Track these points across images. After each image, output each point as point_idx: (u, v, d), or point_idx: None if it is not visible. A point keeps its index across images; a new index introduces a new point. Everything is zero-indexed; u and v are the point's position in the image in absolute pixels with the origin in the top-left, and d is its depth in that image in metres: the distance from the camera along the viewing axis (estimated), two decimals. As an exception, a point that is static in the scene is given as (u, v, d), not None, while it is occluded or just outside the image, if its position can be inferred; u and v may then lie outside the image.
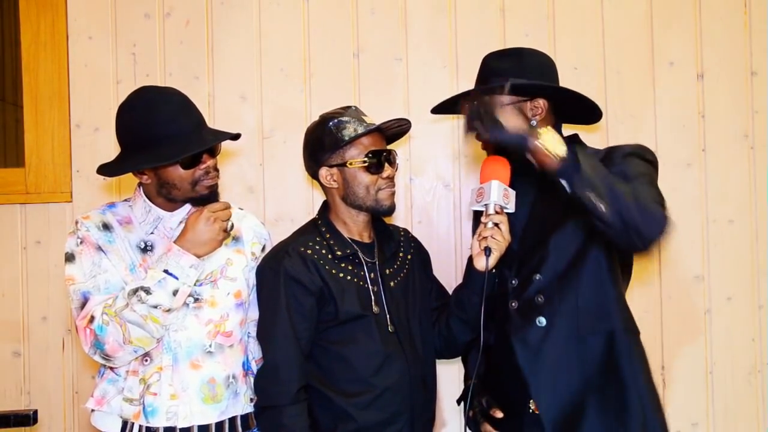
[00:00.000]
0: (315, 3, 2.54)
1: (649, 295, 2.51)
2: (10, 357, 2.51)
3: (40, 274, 2.52)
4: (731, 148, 2.53)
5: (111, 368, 1.83)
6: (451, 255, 2.51)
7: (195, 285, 1.78)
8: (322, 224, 1.93)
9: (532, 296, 1.76)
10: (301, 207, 2.51)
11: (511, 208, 1.75)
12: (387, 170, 1.88)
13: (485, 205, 1.74)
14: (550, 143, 1.57)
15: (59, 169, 2.53)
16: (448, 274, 2.31)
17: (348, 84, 2.53)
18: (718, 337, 2.52)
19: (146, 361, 1.80)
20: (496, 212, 1.74)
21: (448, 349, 2.00)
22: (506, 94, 1.75)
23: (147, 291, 1.69)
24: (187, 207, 1.85)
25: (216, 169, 1.83)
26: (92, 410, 1.85)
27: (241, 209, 2.03)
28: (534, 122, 1.78)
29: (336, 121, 1.87)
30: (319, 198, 2.12)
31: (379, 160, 1.87)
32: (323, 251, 1.88)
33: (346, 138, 1.85)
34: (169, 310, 1.73)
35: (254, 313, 1.92)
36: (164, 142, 1.73)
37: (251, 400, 1.88)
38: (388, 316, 1.89)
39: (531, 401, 1.74)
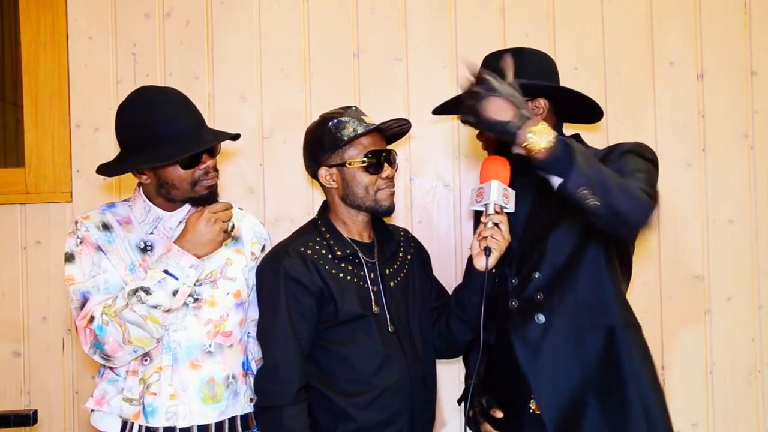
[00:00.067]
0: (315, 3, 2.54)
1: (649, 295, 2.51)
2: (10, 357, 2.51)
3: (40, 274, 2.52)
4: (731, 148, 2.53)
5: (111, 368, 1.83)
6: (451, 255, 2.51)
7: (195, 285, 1.78)
8: (321, 224, 1.93)
9: (531, 294, 1.76)
10: (301, 207, 2.50)
11: (510, 207, 1.75)
12: (386, 170, 1.88)
13: (485, 205, 1.74)
14: (540, 135, 1.54)
15: (59, 169, 2.53)
16: (448, 274, 2.31)
17: (348, 84, 2.53)
18: (718, 337, 2.52)
19: (146, 361, 1.80)
20: (496, 212, 1.74)
21: (448, 349, 2.00)
22: None
23: (147, 291, 1.69)
24: (187, 207, 1.85)
25: (215, 170, 1.83)
26: (92, 410, 1.85)
27: (241, 209, 2.03)
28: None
29: (336, 121, 1.87)
30: (319, 198, 2.12)
31: (379, 160, 1.87)
32: (323, 251, 1.87)
33: (346, 138, 1.85)
34: (168, 311, 1.73)
35: (254, 313, 1.92)
36: (164, 142, 1.73)
37: (251, 400, 1.88)
38: (388, 316, 1.88)
39: (531, 401, 1.74)
